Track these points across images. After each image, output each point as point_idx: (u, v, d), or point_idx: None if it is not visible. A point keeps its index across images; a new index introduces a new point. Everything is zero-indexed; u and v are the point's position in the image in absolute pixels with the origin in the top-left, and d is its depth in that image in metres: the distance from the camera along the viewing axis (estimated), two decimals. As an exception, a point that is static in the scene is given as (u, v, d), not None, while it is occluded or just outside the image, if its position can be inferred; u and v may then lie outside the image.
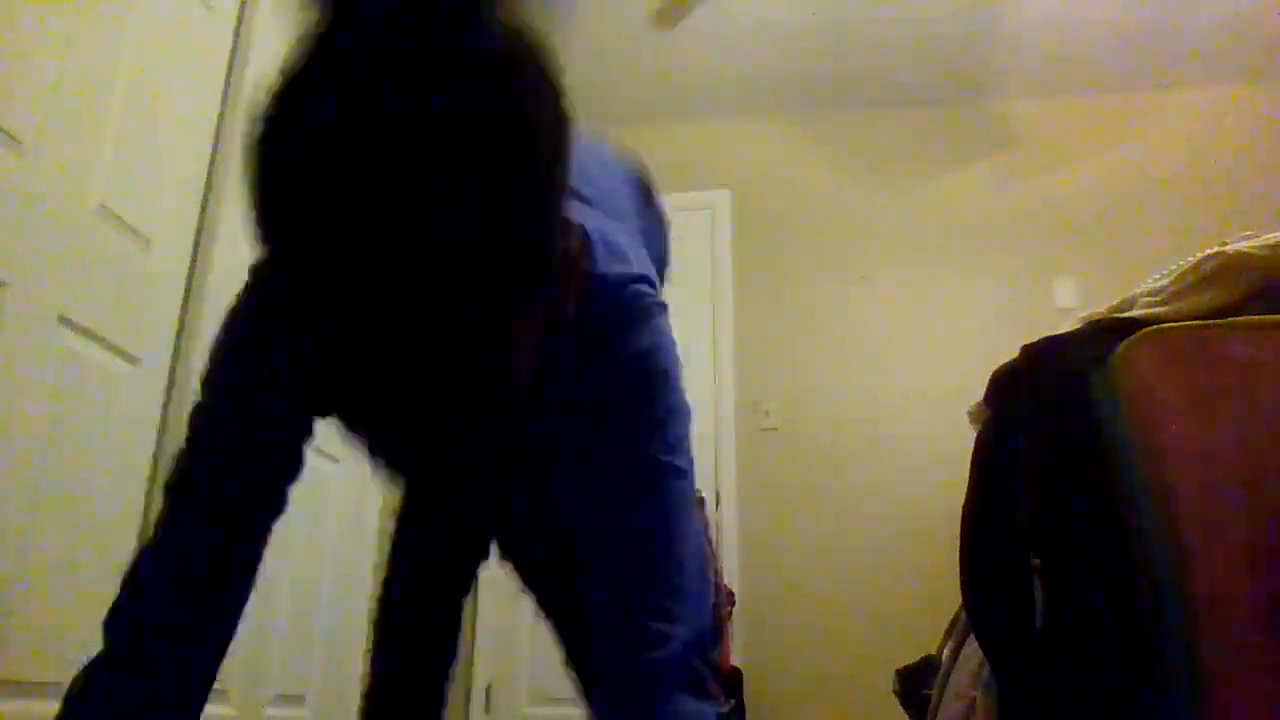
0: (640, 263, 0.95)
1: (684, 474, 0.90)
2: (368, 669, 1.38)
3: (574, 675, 1.31)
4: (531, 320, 0.67)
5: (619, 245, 0.93)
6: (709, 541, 1.07)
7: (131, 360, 1.76)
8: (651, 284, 0.94)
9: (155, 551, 0.85)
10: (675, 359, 0.94)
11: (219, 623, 0.87)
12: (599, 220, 0.96)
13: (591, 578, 0.89)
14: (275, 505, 0.91)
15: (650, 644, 0.81)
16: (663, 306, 0.94)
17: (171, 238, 1.90)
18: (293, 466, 0.91)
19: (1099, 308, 1.35)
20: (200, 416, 0.87)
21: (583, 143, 1.02)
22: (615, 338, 0.90)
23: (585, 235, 0.90)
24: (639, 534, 0.86)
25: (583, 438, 0.92)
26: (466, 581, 1.42)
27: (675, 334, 0.95)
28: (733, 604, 3.33)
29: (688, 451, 0.93)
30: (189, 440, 0.87)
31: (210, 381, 0.87)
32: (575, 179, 0.95)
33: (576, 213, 0.88)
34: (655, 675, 0.81)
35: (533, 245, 0.61)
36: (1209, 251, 1.17)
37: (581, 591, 1.00)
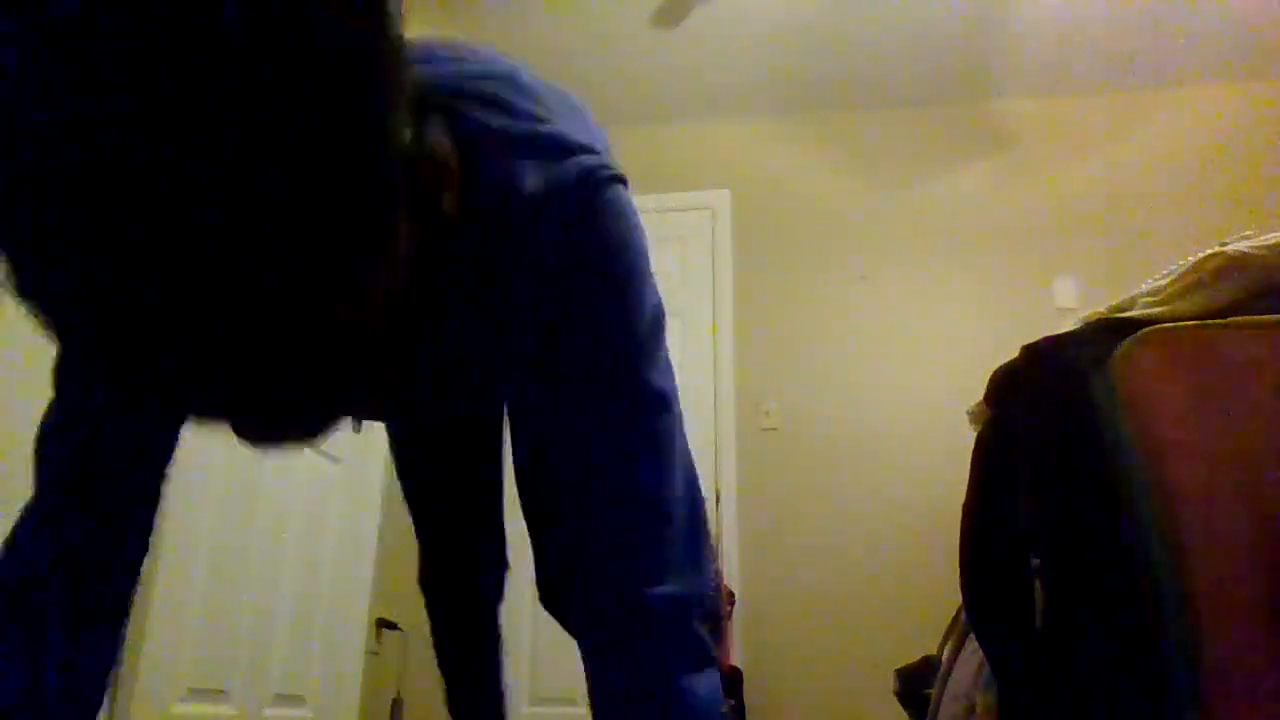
0: (582, 131, 0.76)
1: (668, 400, 0.77)
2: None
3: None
4: (387, 260, 0.51)
5: (527, 110, 0.74)
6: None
7: (131, 360, 1.76)
8: (597, 153, 0.74)
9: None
10: (644, 251, 0.77)
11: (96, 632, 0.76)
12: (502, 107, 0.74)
13: (563, 530, 0.77)
14: (149, 496, 0.79)
15: (638, 609, 0.72)
16: (618, 179, 0.75)
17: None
18: (163, 455, 0.78)
19: (1099, 308, 1.35)
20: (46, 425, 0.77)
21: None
22: (558, 229, 0.71)
23: (468, 126, 0.70)
24: (618, 481, 0.74)
25: (535, 363, 0.77)
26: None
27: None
28: (733, 604, 3.33)
29: (669, 366, 0.78)
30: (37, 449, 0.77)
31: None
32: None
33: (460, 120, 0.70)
34: (649, 647, 0.71)
35: (353, 190, 0.45)
36: (1209, 251, 1.17)
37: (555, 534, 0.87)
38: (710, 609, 0.77)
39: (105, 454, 0.76)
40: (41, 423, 0.77)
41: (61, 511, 0.75)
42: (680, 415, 0.79)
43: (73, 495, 0.75)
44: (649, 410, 0.76)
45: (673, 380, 0.79)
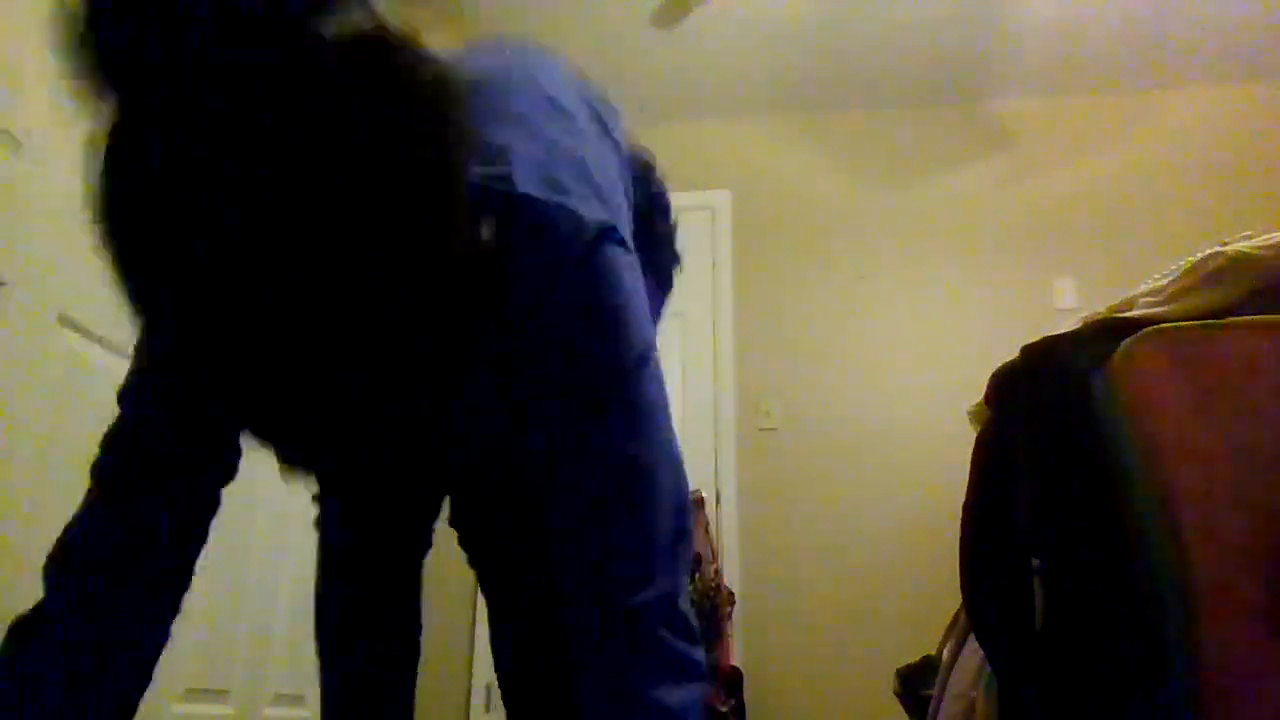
0: (579, 195, 0.84)
1: (651, 391, 0.82)
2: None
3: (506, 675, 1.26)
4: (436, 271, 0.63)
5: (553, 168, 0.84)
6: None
7: (131, 360, 1.76)
8: (587, 225, 0.81)
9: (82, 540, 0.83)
10: (632, 307, 0.82)
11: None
12: (526, 141, 0.86)
13: (551, 526, 0.82)
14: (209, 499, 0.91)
15: (627, 594, 0.75)
16: (611, 236, 0.82)
17: (171, 238, 1.89)
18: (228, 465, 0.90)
19: (1099, 308, 1.35)
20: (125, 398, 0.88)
21: (518, 59, 1.01)
22: (551, 283, 0.79)
23: (503, 155, 0.81)
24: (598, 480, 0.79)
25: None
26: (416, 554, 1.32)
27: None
28: (733, 604, 3.33)
29: (660, 384, 0.84)
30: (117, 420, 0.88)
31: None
32: (492, 99, 0.88)
33: (497, 133, 0.83)
34: (638, 630, 0.75)
35: (422, 234, 0.60)
36: (1209, 251, 1.17)
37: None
38: (683, 606, 0.79)
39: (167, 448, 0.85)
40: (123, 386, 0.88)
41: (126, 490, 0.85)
42: (669, 421, 0.83)
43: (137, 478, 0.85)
44: (633, 409, 0.80)
45: (661, 389, 0.84)
